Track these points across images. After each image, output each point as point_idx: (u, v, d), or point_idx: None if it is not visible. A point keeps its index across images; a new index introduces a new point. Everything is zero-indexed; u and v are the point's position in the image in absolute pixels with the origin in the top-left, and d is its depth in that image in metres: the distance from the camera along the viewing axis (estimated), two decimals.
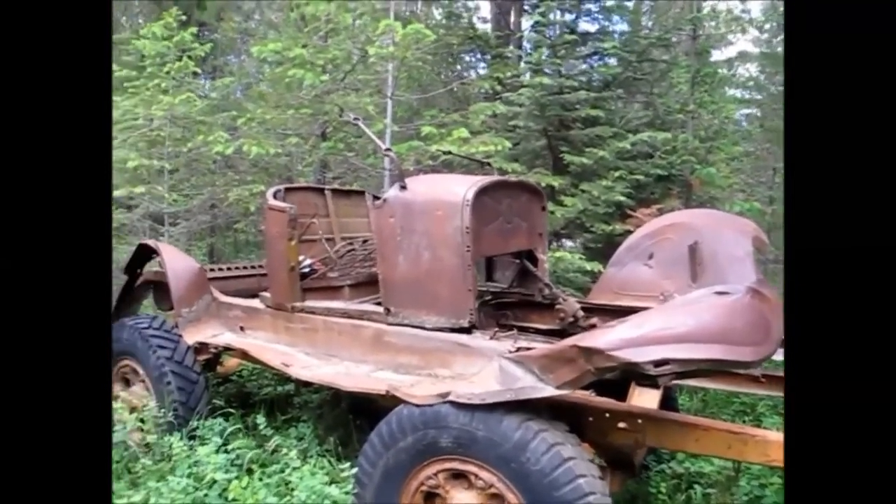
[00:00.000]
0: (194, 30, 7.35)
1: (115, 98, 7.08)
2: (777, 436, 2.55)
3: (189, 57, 6.96)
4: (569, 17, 7.53)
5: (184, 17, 7.42)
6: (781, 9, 9.43)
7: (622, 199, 5.85)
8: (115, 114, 6.77)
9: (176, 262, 4.21)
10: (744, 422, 4.67)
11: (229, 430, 3.66)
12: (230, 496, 2.96)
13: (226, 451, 3.38)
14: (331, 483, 3.01)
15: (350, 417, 3.89)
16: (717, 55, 10.98)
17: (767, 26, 10.89)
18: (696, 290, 2.68)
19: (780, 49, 10.82)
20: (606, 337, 2.19)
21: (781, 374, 3.26)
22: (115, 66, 7.41)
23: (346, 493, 2.88)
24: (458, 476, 2.45)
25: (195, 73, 7.65)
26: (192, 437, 3.58)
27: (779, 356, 2.59)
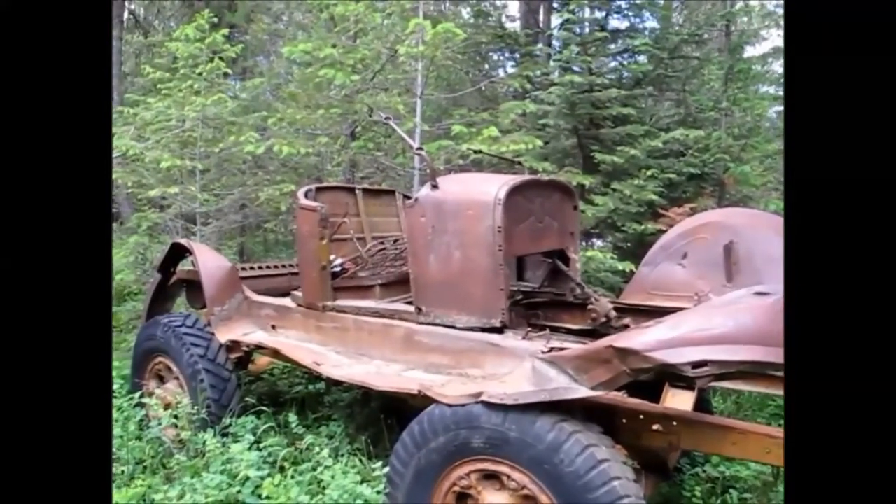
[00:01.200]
0: (225, 31, 7.43)
1: (148, 100, 7.22)
2: None
3: (220, 58, 7.05)
4: (599, 14, 7.46)
5: (215, 20, 7.52)
6: None
7: (654, 197, 5.77)
8: (149, 115, 6.90)
9: (209, 261, 4.26)
10: (779, 425, 4.57)
11: (261, 427, 3.69)
12: (263, 493, 2.99)
13: (258, 449, 3.41)
14: (362, 482, 3.02)
15: (381, 416, 3.90)
16: (750, 51, 10.77)
17: None
18: (732, 291, 2.63)
19: None
20: (642, 337, 2.16)
21: None
22: (148, 69, 7.57)
23: (378, 492, 2.89)
24: (491, 477, 2.44)
25: (226, 75, 7.75)
26: (224, 435, 3.62)
27: None
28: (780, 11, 10.64)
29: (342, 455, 3.50)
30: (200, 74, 6.97)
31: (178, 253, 4.54)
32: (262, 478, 3.08)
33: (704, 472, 3.55)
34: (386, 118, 3.45)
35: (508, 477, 2.37)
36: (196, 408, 3.72)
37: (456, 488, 2.50)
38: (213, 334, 4.01)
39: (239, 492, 3.05)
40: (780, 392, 3.34)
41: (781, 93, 10.94)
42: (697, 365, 2.04)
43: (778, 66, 11.34)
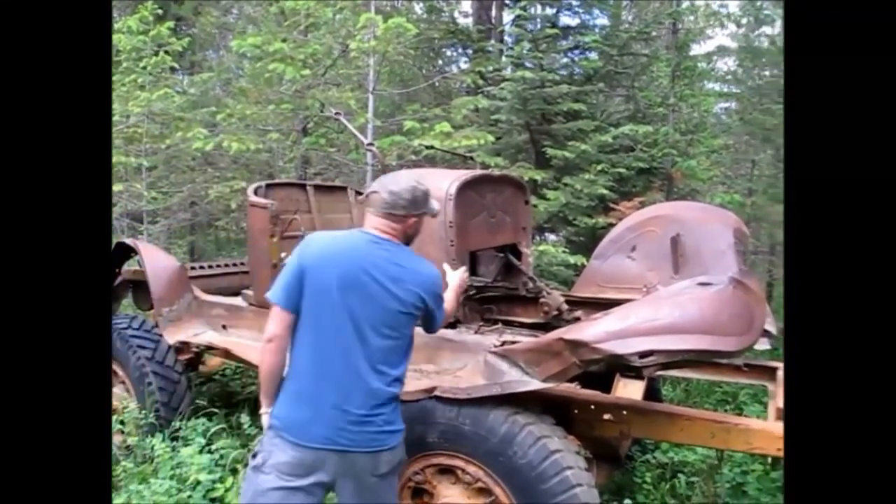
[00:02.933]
0: (171, 24, 7.23)
1: None
2: (759, 424, 2.58)
3: (166, 52, 6.85)
4: (550, 11, 7.53)
5: (160, 12, 7.31)
6: (759, 2, 9.52)
7: (605, 192, 5.87)
8: None
9: (155, 261, 4.14)
10: (725, 410, 4.72)
11: (213, 429, 3.62)
12: (216, 496, 2.93)
13: (209, 452, 3.34)
14: None
15: None
16: (696, 49, 11.05)
17: (745, 21, 11.00)
18: (679, 282, 2.70)
19: (756, 44, 10.89)
20: (591, 329, 2.19)
21: (763, 363, 3.30)
22: None
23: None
24: (446, 471, 2.45)
25: (173, 69, 7.54)
26: (174, 438, 3.54)
27: (761, 346, 2.62)
28: (725, 11, 10.95)
29: None
30: (145, 68, 6.76)
31: (123, 253, 4.39)
32: (214, 481, 3.02)
33: (654, 458, 3.64)
34: (336, 114, 3.41)
35: (463, 470, 2.38)
36: (144, 412, 3.61)
37: (411, 484, 2.50)
38: (161, 336, 3.90)
39: (189, 496, 2.98)
40: (726, 379, 3.45)
41: (727, 90, 11.28)
42: (645, 354, 2.09)
43: (722, 64, 11.68)
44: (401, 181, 2.25)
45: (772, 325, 2.81)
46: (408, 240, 2.28)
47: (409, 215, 2.22)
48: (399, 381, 2.15)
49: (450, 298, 2.45)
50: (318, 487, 2.06)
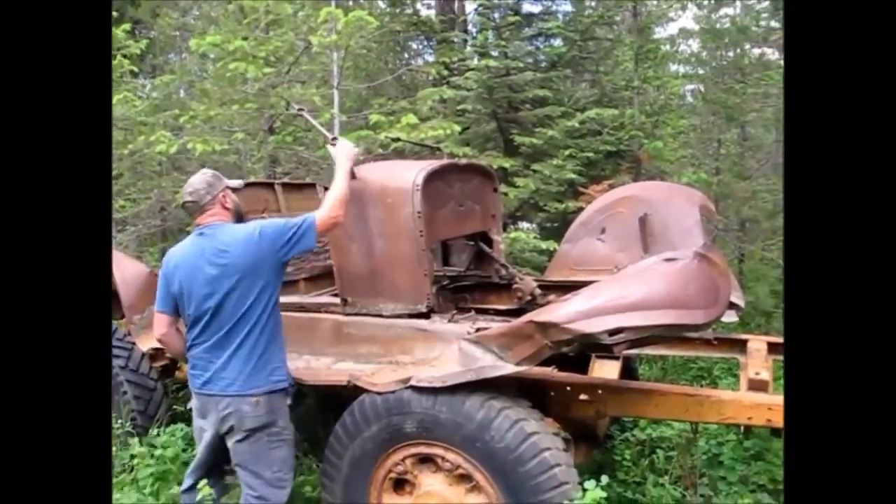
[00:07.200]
0: (128, 27, 7.07)
1: None
2: (730, 394, 2.64)
3: (124, 55, 6.71)
4: None
5: (115, 14, 7.15)
6: None
7: (573, 176, 5.91)
8: None
9: (124, 268, 4.08)
10: (701, 385, 4.81)
11: (192, 434, 3.57)
12: (198, 497, 2.90)
13: (193, 456, 3.30)
14: (300, 479, 2.98)
15: (316, 413, 3.86)
16: (659, 32, 11.16)
17: (706, 2, 11.11)
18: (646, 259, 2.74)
19: (718, 25, 11.03)
20: (561, 310, 2.22)
21: (733, 336, 3.36)
22: None
23: (315, 487, 2.86)
24: (426, 460, 2.46)
25: (133, 73, 7.38)
26: (153, 445, 3.49)
27: (728, 318, 2.67)
28: None
29: None
30: None
31: None
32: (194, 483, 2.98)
33: (633, 436, 3.70)
34: (299, 110, 3.38)
35: (443, 458, 2.40)
36: (120, 422, 3.56)
37: (392, 475, 2.51)
38: (134, 344, 3.85)
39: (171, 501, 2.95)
40: (699, 354, 3.52)
41: (691, 71, 11.41)
42: (614, 332, 2.12)
43: (685, 46, 11.81)
44: None
45: (739, 298, 2.87)
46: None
47: None
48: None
49: (338, 178, 2.70)
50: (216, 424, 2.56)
